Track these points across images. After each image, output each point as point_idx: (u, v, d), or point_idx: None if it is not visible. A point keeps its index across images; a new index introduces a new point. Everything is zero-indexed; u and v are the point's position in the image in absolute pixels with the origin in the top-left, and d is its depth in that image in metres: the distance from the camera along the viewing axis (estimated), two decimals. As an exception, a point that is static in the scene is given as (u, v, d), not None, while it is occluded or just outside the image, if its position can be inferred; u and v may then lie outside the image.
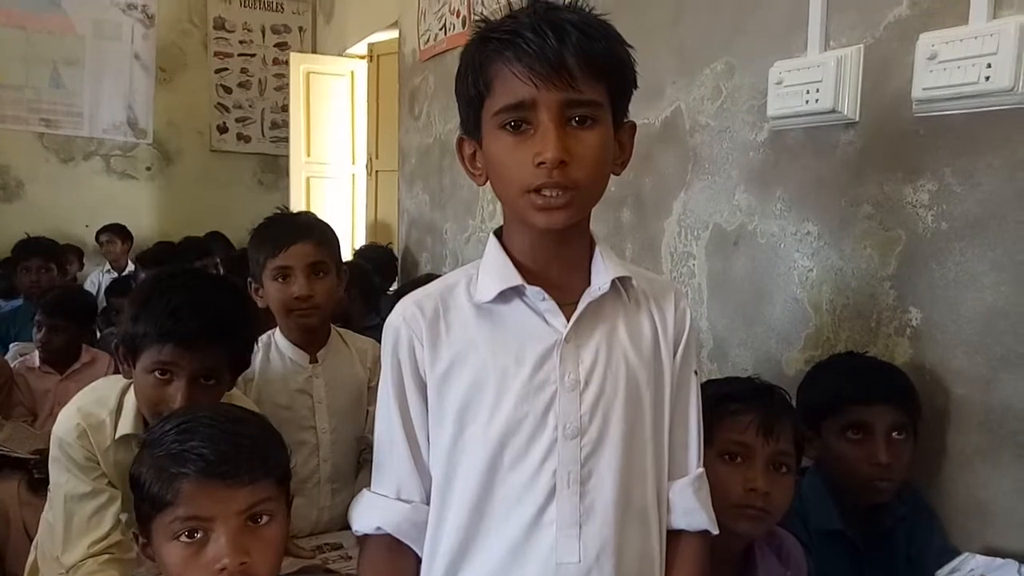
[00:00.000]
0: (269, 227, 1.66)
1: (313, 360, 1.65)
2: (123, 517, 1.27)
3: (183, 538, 0.90)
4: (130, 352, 1.27)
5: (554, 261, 0.91)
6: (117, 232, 4.53)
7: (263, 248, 1.59)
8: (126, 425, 1.30)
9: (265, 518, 0.94)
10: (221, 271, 3.03)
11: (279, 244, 1.56)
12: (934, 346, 1.32)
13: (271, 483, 0.95)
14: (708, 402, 1.04)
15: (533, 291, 0.88)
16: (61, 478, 1.29)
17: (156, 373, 1.24)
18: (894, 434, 1.26)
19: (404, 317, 0.92)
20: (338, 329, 1.75)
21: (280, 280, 1.56)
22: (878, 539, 1.31)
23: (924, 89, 1.27)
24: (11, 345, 2.91)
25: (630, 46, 0.88)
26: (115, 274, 4.31)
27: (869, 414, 1.26)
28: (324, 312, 1.60)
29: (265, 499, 0.94)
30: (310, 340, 1.65)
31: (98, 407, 1.32)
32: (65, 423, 1.30)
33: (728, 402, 1.14)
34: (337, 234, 1.72)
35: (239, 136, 5.42)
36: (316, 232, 1.62)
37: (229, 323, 1.28)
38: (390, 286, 3.41)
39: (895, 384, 1.28)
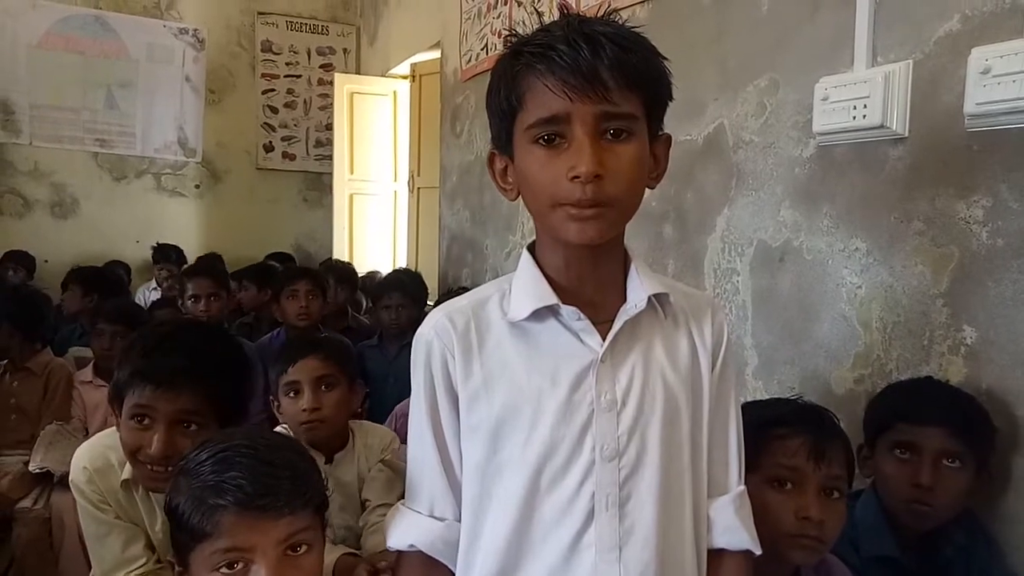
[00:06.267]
0: (285, 346, 1.72)
1: (328, 461, 1.63)
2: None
3: (223, 569, 0.89)
4: (116, 399, 1.23)
5: (588, 278, 0.89)
6: (174, 260, 4.57)
7: (276, 366, 1.65)
8: (128, 470, 1.27)
9: (304, 547, 0.93)
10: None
11: (288, 360, 1.61)
12: (991, 366, 1.28)
13: (309, 513, 0.94)
14: (753, 426, 1.01)
15: (568, 310, 0.86)
16: (84, 519, 1.29)
17: (135, 420, 1.20)
18: (945, 460, 1.22)
19: (436, 330, 0.90)
20: (353, 427, 1.70)
21: (291, 395, 1.60)
22: (934, 567, 1.26)
23: (977, 104, 1.25)
24: (71, 349, 3.03)
25: (665, 58, 0.86)
26: (160, 291, 4.37)
27: (917, 434, 1.24)
28: (333, 424, 1.60)
29: (304, 528, 0.93)
30: (326, 447, 1.64)
31: (107, 450, 1.30)
32: (76, 465, 1.30)
33: (775, 426, 1.10)
34: (351, 348, 1.71)
35: (284, 154, 5.52)
36: (323, 347, 1.65)
37: (206, 363, 1.23)
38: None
39: (953, 409, 1.23)
